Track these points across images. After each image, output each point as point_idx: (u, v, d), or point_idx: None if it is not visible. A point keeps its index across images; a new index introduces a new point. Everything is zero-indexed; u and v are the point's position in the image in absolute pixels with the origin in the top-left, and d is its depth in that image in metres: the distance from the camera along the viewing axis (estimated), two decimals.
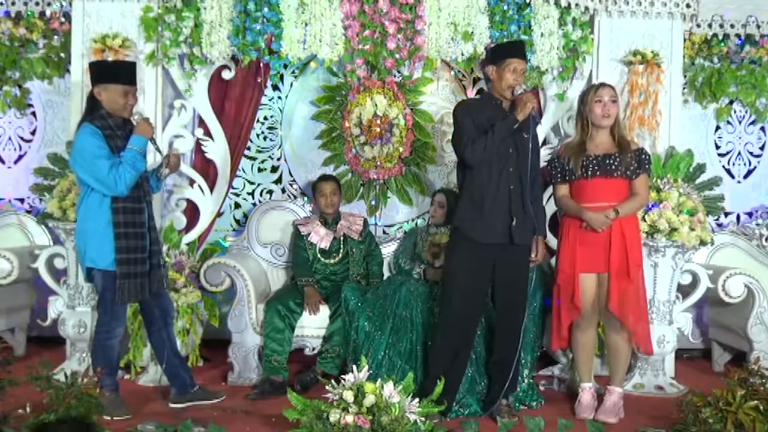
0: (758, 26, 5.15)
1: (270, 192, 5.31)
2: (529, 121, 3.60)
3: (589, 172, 3.78)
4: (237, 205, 5.30)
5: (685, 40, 4.86)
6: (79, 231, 3.65)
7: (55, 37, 5.14)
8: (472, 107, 3.79)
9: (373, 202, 5.12)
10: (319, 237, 4.58)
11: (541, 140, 4.80)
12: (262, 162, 5.32)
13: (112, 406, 3.58)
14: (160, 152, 3.88)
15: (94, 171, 3.51)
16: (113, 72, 3.68)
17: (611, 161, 3.76)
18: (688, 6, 4.60)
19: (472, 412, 3.79)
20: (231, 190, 5.05)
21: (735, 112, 5.40)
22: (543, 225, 3.86)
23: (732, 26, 5.14)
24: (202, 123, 4.86)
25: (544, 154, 4.80)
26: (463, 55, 4.64)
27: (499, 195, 3.62)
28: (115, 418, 3.56)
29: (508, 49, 3.79)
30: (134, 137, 3.60)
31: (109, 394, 3.62)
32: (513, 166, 3.63)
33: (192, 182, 4.84)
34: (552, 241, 4.68)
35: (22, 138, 5.42)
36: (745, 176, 5.45)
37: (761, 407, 3.12)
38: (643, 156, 3.83)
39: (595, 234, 3.75)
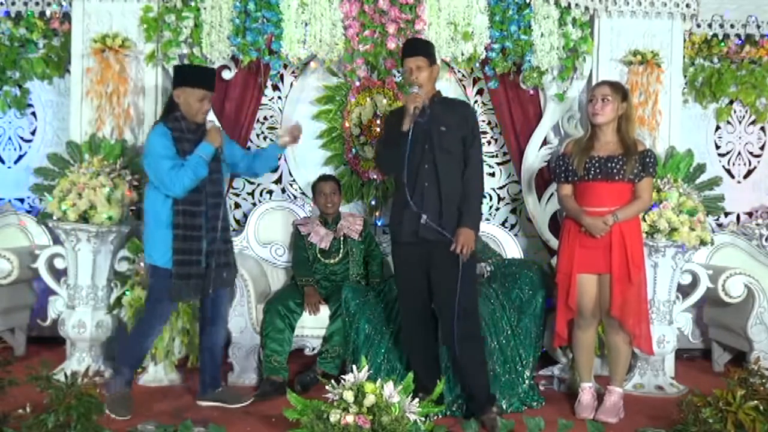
0: (758, 26, 5.16)
1: (270, 192, 5.31)
2: (412, 123, 3.53)
3: (591, 175, 3.75)
4: (237, 205, 5.29)
5: (685, 40, 4.86)
6: (145, 226, 3.77)
7: (55, 37, 5.14)
8: (392, 114, 3.87)
9: (373, 202, 5.11)
10: (319, 237, 4.58)
11: (541, 140, 4.82)
12: None
13: (116, 402, 3.62)
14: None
15: (157, 169, 3.60)
16: (194, 77, 3.75)
17: (614, 164, 3.73)
18: (688, 6, 4.60)
19: (466, 414, 3.79)
20: (231, 190, 5.05)
21: (735, 112, 5.40)
22: (470, 216, 3.58)
23: (732, 26, 5.15)
24: None
25: (544, 153, 4.81)
26: (463, 55, 4.64)
27: (415, 193, 3.59)
28: (114, 416, 3.56)
29: (403, 51, 3.74)
30: (203, 144, 3.66)
31: (119, 387, 3.67)
32: (428, 163, 3.59)
33: None
34: (553, 241, 4.70)
35: (22, 138, 5.42)
36: (745, 176, 5.45)
37: (761, 407, 3.12)
38: (648, 159, 3.78)
39: (595, 236, 3.74)
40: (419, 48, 3.71)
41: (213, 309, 3.88)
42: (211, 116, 3.99)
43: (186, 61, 4.72)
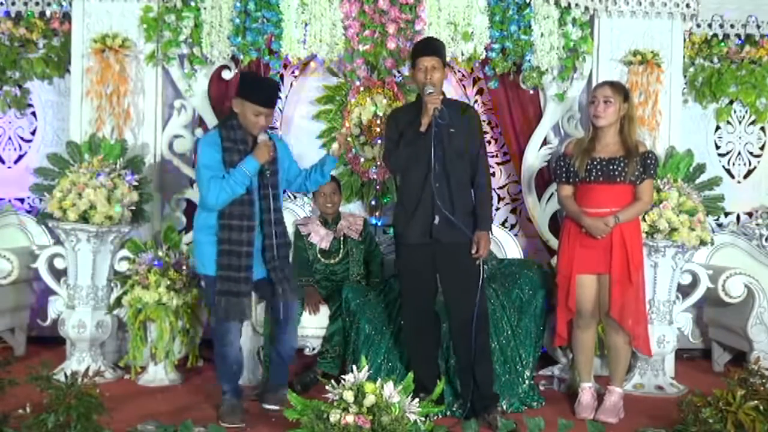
0: (758, 26, 5.16)
1: None
2: (431, 125, 3.49)
3: (592, 177, 3.74)
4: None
5: (685, 40, 4.86)
6: (194, 234, 3.74)
7: (55, 37, 5.14)
8: (399, 113, 3.84)
9: (373, 202, 5.12)
10: (319, 237, 4.57)
11: (541, 140, 4.82)
12: None
13: (226, 412, 3.62)
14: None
15: (199, 177, 3.58)
16: (252, 91, 3.60)
17: (615, 167, 3.71)
18: (688, 6, 4.60)
19: (468, 414, 3.78)
20: None
21: (735, 112, 5.40)
22: (486, 220, 3.66)
23: (732, 26, 5.15)
24: (202, 123, 4.86)
25: (544, 153, 4.81)
26: (463, 55, 4.64)
27: (424, 195, 3.57)
28: (225, 425, 3.54)
29: (418, 49, 3.70)
30: (249, 158, 3.54)
31: (227, 398, 3.68)
32: (439, 164, 3.56)
33: (192, 182, 4.84)
34: (553, 240, 4.70)
35: (22, 138, 5.42)
36: (745, 176, 5.45)
37: (761, 407, 3.12)
38: (649, 160, 3.77)
39: (596, 237, 3.73)
40: (436, 48, 3.67)
41: (282, 314, 3.79)
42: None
43: (186, 61, 4.72)
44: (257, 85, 3.70)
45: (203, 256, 3.63)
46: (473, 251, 3.59)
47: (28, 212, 5.19)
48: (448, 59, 4.66)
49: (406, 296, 3.78)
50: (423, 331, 3.78)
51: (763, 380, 3.24)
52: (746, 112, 5.40)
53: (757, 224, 5.23)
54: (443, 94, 3.66)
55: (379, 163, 5.01)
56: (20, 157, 5.41)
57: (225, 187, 3.49)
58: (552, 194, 4.70)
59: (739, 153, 5.45)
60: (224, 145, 3.56)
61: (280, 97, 3.68)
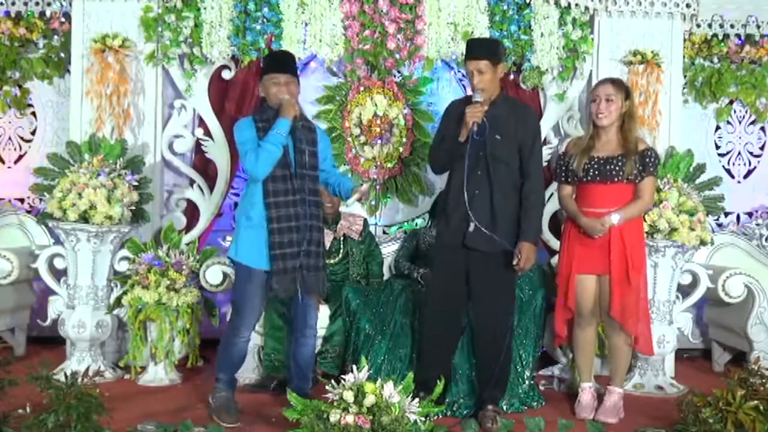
0: (758, 26, 5.16)
1: None
2: (470, 135, 3.46)
3: (589, 176, 3.73)
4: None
5: (685, 40, 4.86)
6: (236, 220, 3.75)
7: (55, 37, 5.14)
8: (453, 107, 3.76)
9: (373, 202, 5.11)
10: None
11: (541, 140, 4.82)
12: None
13: (219, 408, 3.60)
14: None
15: (241, 155, 3.59)
16: (266, 63, 3.75)
17: (613, 165, 3.70)
18: (688, 6, 4.60)
19: (470, 414, 3.79)
20: (231, 190, 5.06)
21: (735, 112, 5.40)
22: (532, 230, 3.56)
23: (732, 26, 5.16)
24: (202, 123, 4.86)
25: (544, 154, 4.81)
26: (463, 55, 4.63)
27: (461, 200, 3.51)
28: (222, 423, 3.51)
29: (466, 50, 3.65)
30: (279, 119, 3.52)
31: (221, 393, 3.65)
32: (481, 170, 3.52)
33: (192, 182, 4.85)
34: (553, 241, 4.70)
35: (22, 138, 5.42)
36: (745, 176, 5.46)
37: (761, 407, 3.12)
38: (648, 159, 3.73)
39: (593, 237, 3.73)
40: (480, 49, 3.58)
41: (301, 318, 3.76)
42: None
43: (186, 61, 4.72)
44: (268, 57, 3.79)
45: (239, 242, 3.62)
46: (515, 263, 3.51)
47: (28, 212, 5.20)
48: (447, 59, 4.69)
49: (432, 295, 3.73)
50: (440, 335, 3.72)
51: (763, 380, 3.24)
52: (746, 112, 5.41)
53: (757, 224, 5.23)
54: (500, 93, 3.60)
55: (378, 163, 5.01)
56: (20, 157, 5.41)
57: (261, 152, 3.48)
58: (552, 194, 4.70)
59: (739, 153, 5.45)
60: (258, 125, 3.58)
61: (296, 66, 3.74)
